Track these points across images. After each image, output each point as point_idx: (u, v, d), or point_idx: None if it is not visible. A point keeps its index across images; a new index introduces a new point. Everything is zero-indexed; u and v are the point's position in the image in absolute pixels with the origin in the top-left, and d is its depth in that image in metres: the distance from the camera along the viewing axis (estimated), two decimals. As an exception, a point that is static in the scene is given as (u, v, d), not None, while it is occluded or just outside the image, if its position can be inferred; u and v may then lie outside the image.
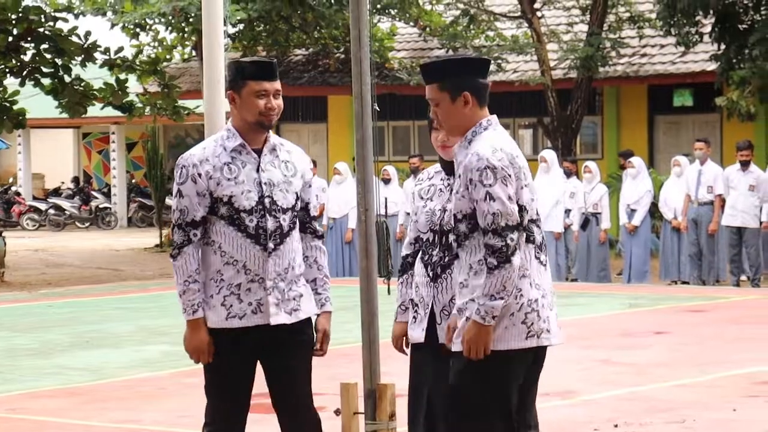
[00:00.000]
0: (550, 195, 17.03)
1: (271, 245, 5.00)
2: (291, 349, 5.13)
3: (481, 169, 4.58)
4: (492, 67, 22.91)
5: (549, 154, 17.87)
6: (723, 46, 19.48)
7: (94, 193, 34.30)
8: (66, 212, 33.26)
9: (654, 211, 17.58)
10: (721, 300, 14.39)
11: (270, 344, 5.09)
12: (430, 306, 5.12)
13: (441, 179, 5.22)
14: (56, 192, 35.21)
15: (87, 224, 33.19)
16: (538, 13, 23.21)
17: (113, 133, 34.04)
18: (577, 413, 7.80)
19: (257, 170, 5.03)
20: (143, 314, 14.01)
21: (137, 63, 21.38)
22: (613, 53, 22.47)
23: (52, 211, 33.11)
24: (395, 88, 23.04)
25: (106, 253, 25.16)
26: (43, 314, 14.18)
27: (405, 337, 5.26)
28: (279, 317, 5.05)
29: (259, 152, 5.05)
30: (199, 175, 4.98)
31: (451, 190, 5.07)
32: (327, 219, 18.67)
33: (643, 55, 23.13)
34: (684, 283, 16.76)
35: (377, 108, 5.36)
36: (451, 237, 4.76)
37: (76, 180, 36.15)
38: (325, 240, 19.90)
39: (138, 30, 24.86)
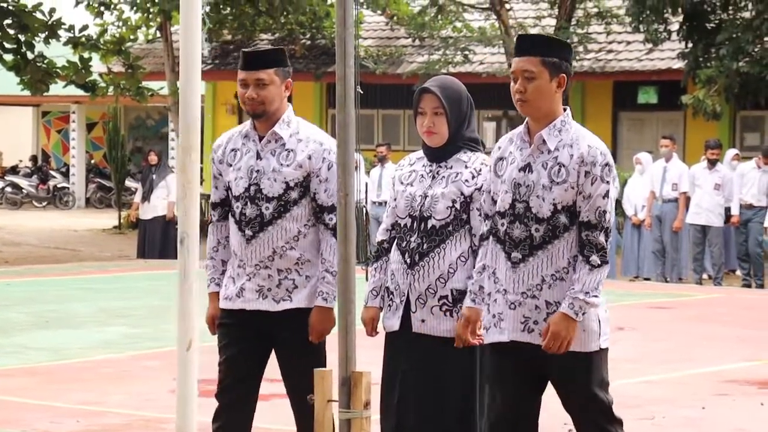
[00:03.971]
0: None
1: (249, 233, 5.10)
2: (285, 339, 5.18)
3: (604, 165, 4.58)
4: (458, 58, 23.19)
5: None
6: (690, 45, 19.52)
7: (52, 173, 33.99)
8: (23, 191, 32.94)
9: (616, 207, 17.61)
10: (685, 297, 14.42)
11: (269, 331, 5.18)
12: (405, 294, 5.04)
13: (423, 165, 5.13)
14: (14, 170, 34.87)
15: (44, 203, 32.89)
16: (507, 6, 23.17)
17: (74, 112, 33.71)
18: (546, 410, 7.73)
19: (256, 157, 5.15)
20: (103, 295, 13.86)
21: (101, 42, 21.17)
22: (580, 48, 22.47)
23: (8, 189, 32.79)
24: (360, 77, 22.90)
25: (64, 233, 24.92)
26: (1, 292, 13.99)
27: (375, 322, 5.16)
28: (258, 303, 5.12)
29: (261, 138, 5.16)
30: (216, 159, 5.25)
31: (433, 176, 5.05)
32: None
33: (610, 51, 23.16)
34: (645, 279, 16.79)
35: (360, 91, 5.24)
36: (536, 226, 4.61)
37: (34, 159, 35.81)
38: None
39: (102, 9, 24.61)
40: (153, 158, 19.17)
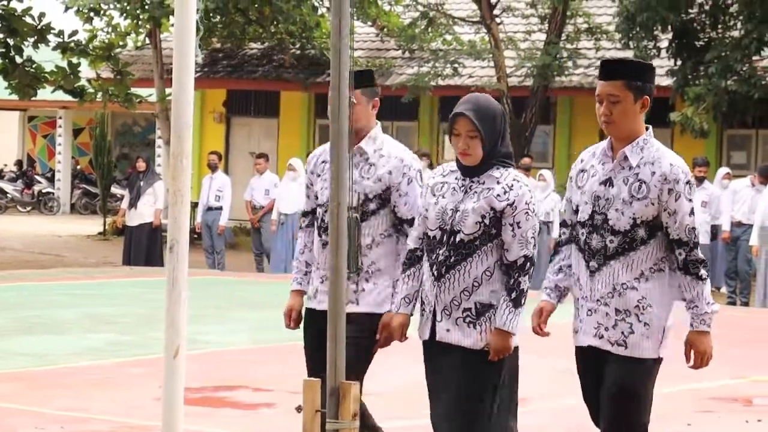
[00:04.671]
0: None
1: (325, 239, 5.45)
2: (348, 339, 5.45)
3: (686, 183, 4.85)
4: (448, 71, 23.20)
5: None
6: (679, 62, 19.58)
7: (38, 178, 33.89)
8: (8, 195, 32.84)
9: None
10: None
11: None
12: (433, 304, 5.15)
13: (456, 178, 5.19)
14: (-1, 174, 34.78)
15: (29, 208, 32.79)
16: (497, 20, 23.21)
17: (60, 117, 33.65)
18: (532, 422, 7.73)
19: None
20: (89, 302, 13.81)
21: (90, 48, 21.13)
22: (570, 63, 22.52)
23: (-7, 193, 32.69)
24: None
25: (48, 238, 24.85)
26: (-15, 297, 13.93)
27: (404, 328, 5.33)
28: (325, 305, 5.40)
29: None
30: (309, 170, 5.75)
31: (465, 191, 5.14)
32: (278, 214, 18.52)
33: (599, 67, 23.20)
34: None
35: (354, 100, 5.25)
36: (611, 238, 4.85)
37: (19, 163, 35.70)
38: (276, 235, 19.67)
39: (92, 14, 24.59)
40: (141, 165, 19.13)
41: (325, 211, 5.49)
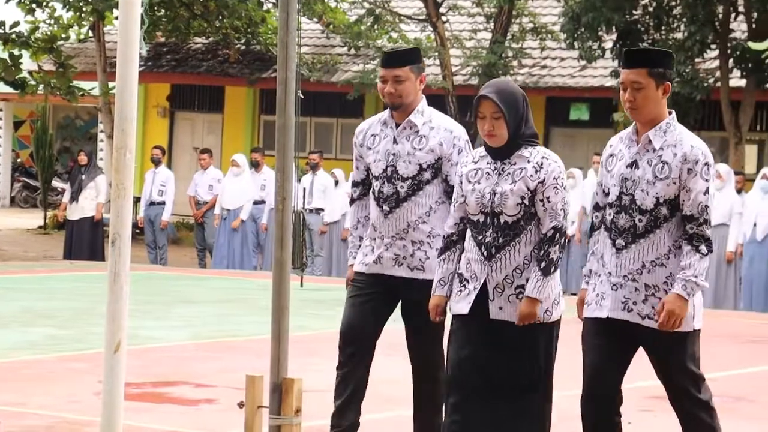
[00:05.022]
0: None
1: (386, 208, 5.86)
2: (416, 303, 5.79)
3: (705, 164, 5.13)
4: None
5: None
6: (623, 63, 19.69)
7: (-23, 170, 33.50)
8: (-53, 188, 32.43)
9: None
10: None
11: (398, 294, 5.93)
12: (482, 283, 5.34)
13: (487, 163, 5.41)
14: (-63, 167, 34.32)
15: (-32, 201, 32.41)
16: (443, 18, 23.24)
17: (1, 109, 33.25)
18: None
19: (393, 142, 5.91)
20: (28, 296, 13.64)
21: (32, 39, 20.92)
22: (515, 63, 22.61)
23: (-68, 185, 32.26)
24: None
25: (-12, 231, 24.57)
26: None
27: (440, 308, 5.54)
28: (395, 270, 5.89)
29: (398, 126, 5.91)
30: (357, 143, 6.04)
31: (498, 173, 5.34)
32: (221, 209, 18.45)
33: (544, 66, 23.31)
34: (573, 294, 16.87)
35: (301, 95, 5.24)
36: (640, 217, 5.14)
37: (-42, 155, 35.27)
38: (219, 231, 19.57)
39: (34, 6, 24.31)
40: (83, 158, 18.96)
41: (382, 183, 5.87)
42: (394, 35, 23.75)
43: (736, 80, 19.38)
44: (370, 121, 6.10)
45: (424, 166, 5.85)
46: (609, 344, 5.28)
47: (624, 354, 5.32)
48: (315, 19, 24.85)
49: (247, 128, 26.47)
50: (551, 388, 5.52)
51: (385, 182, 5.88)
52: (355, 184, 6.11)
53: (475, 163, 5.45)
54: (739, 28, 20.03)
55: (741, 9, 19.23)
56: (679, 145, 5.16)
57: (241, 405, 5.20)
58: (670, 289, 5.13)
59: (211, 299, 14.15)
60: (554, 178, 5.31)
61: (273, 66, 23.70)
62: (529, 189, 5.30)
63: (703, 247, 5.12)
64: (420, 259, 5.87)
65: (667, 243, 5.16)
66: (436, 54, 22.86)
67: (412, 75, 5.90)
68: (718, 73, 19.53)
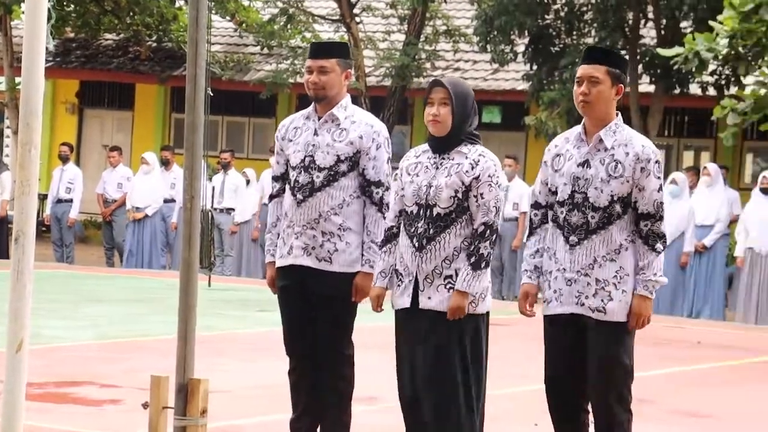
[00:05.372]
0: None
1: (299, 197, 5.92)
2: (325, 297, 5.91)
3: (656, 162, 5.34)
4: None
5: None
6: (535, 67, 19.85)
7: None
8: None
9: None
10: (520, 315, 14.56)
11: (311, 287, 5.94)
12: (414, 274, 5.50)
13: (428, 157, 5.57)
14: None
15: None
16: (357, 19, 23.23)
17: None
18: (379, 420, 7.73)
19: (314, 134, 5.98)
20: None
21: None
22: (428, 65, 22.67)
23: None
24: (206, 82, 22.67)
25: None
26: None
27: (381, 299, 5.67)
28: (303, 260, 5.93)
29: (320, 119, 6.00)
30: (280, 136, 6.09)
31: (437, 167, 5.43)
32: (131, 208, 18.26)
33: (457, 69, 23.41)
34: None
35: (211, 93, 5.19)
36: (592, 214, 5.32)
37: None
38: (128, 230, 19.28)
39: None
40: (-12, 154, 18.64)
41: (299, 173, 5.93)
42: (308, 35, 23.68)
43: (645, 86, 19.62)
44: (293, 116, 6.18)
45: (342, 157, 5.92)
46: (570, 341, 5.43)
47: (583, 348, 5.43)
48: (228, 18, 24.69)
49: (158, 126, 26.23)
50: (484, 381, 5.61)
51: (302, 172, 5.93)
52: (275, 179, 6.14)
53: (417, 157, 5.61)
54: (648, 34, 20.28)
55: (650, 15, 19.47)
56: (630, 145, 5.35)
57: (145, 406, 5.13)
58: (619, 283, 5.33)
59: (118, 298, 13.99)
60: (489, 176, 5.47)
61: (184, 64, 23.48)
62: (463, 183, 5.45)
63: (659, 245, 5.35)
64: (328, 251, 5.92)
65: (618, 239, 5.34)
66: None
67: (338, 68, 5.98)
68: (627, 79, 19.76)
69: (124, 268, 18.15)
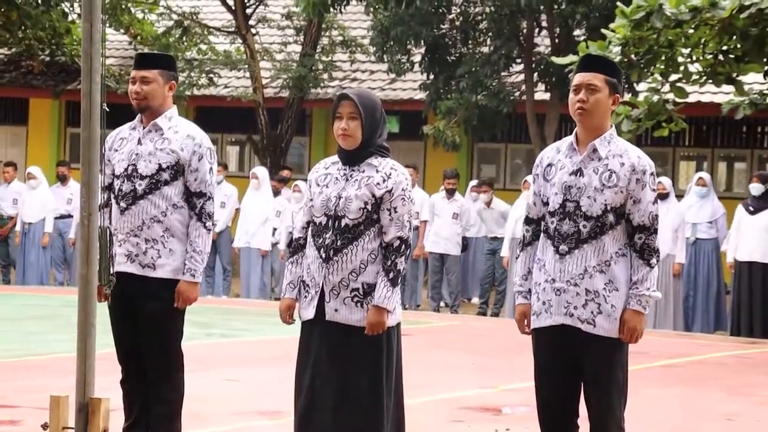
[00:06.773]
0: (260, 212, 16.98)
1: (123, 205, 6.00)
2: (148, 305, 5.95)
3: (651, 174, 5.28)
4: (203, 81, 22.98)
5: (261, 171, 17.83)
6: (432, 76, 19.95)
7: None
8: None
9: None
10: (423, 325, 14.62)
11: (132, 294, 5.96)
12: (320, 286, 5.47)
13: (338, 169, 5.56)
14: None
15: None
16: (253, 30, 23.15)
17: None
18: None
19: (138, 143, 6.05)
20: None
21: None
22: (326, 75, 22.66)
23: None
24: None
25: None
26: None
27: (291, 310, 5.63)
28: (126, 267, 5.95)
29: (144, 129, 6.08)
30: (107, 147, 6.09)
31: (347, 179, 5.48)
32: (21, 224, 17.97)
33: (354, 79, 23.43)
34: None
35: (107, 108, 5.11)
36: (584, 223, 5.25)
37: None
38: (19, 246, 18.92)
39: None
40: None
41: (122, 182, 5.99)
42: (203, 47, 23.53)
43: (541, 94, 19.82)
44: (121, 127, 6.21)
45: (164, 166, 5.98)
46: (560, 353, 5.33)
47: (574, 362, 5.33)
48: (122, 30, 24.44)
49: (53, 141, 25.86)
50: (400, 392, 5.61)
51: (125, 180, 6.00)
52: (102, 190, 6.05)
53: (326, 168, 5.60)
54: (542, 43, 20.50)
55: (544, 24, 19.69)
56: (626, 155, 5.29)
57: (45, 426, 5.05)
58: (608, 296, 5.24)
59: (14, 316, 13.74)
60: (402, 190, 5.46)
61: (79, 78, 23.20)
62: (374, 196, 5.44)
63: (653, 260, 5.27)
64: (152, 257, 5.97)
65: (609, 250, 5.25)
66: (246, 66, 22.75)
67: (161, 79, 6.09)
68: (523, 87, 19.94)
69: (17, 285, 17.85)
